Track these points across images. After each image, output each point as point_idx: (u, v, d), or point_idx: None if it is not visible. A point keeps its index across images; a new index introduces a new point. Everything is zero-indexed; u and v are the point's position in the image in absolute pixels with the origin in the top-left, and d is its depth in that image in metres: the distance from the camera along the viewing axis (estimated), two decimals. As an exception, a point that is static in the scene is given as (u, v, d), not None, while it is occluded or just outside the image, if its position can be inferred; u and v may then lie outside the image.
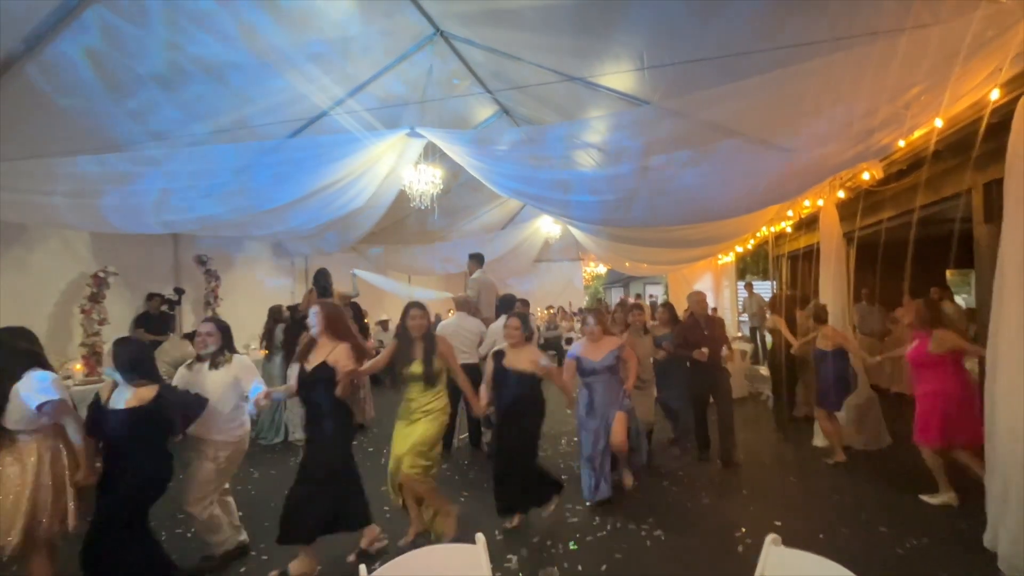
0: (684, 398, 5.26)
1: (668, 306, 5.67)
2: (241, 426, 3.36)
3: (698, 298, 5.38)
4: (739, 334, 8.85)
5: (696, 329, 5.16)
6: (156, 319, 6.36)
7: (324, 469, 3.17)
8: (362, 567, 1.64)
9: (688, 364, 5.17)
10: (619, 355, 4.14)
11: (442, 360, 3.53)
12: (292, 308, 6.68)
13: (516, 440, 3.77)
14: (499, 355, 3.84)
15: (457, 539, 3.07)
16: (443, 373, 3.57)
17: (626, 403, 4.16)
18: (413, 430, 3.44)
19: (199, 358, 3.36)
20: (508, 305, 5.71)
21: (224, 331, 3.39)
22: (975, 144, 3.29)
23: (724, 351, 5.18)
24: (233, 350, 3.41)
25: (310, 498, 3.11)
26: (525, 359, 3.76)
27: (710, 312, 6.16)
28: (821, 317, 5.22)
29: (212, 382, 3.23)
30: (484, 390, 3.85)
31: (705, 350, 4.98)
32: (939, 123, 3.41)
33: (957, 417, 3.77)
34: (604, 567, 3.31)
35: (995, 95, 3.05)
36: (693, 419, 5.24)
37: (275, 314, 6.51)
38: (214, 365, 3.29)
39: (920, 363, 3.99)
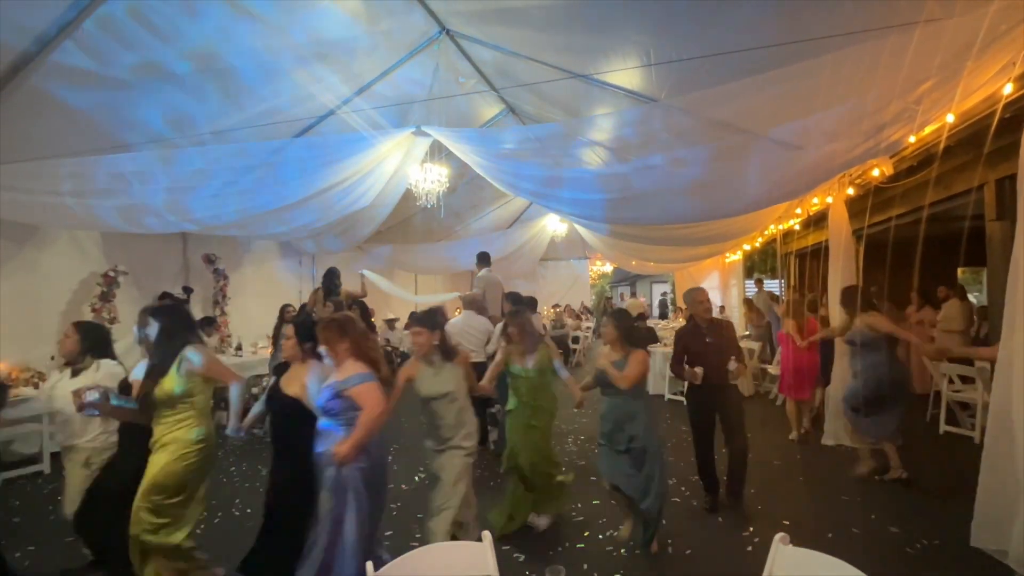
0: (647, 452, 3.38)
1: (620, 316, 3.66)
2: (112, 431, 3.17)
3: (697, 298, 4.05)
4: (746, 332, 8.78)
5: (696, 337, 3.93)
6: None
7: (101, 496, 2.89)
8: (369, 565, 1.62)
9: (688, 383, 4.20)
10: (343, 392, 2.59)
11: (197, 378, 2.72)
12: (302, 307, 6.73)
13: (277, 493, 2.81)
14: (280, 368, 2.95)
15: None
16: (199, 394, 2.74)
17: (329, 474, 2.59)
18: (150, 466, 2.66)
19: (67, 363, 3.21)
20: (517, 303, 5.71)
21: (87, 335, 3.19)
22: (987, 139, 3.25)
23: (732, 364, 3.81)
24: (103, 355, 3.19)
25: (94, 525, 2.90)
26: (297, 382, 2.76)
27: (716, 313, 5.44)
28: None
29: (69, 387, 3.01)
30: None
31: (699, 370, 3.79)
32: (951, 118, 3.36)
33: (794, 377, 5.58)
34: (611, 566, 3.31)
35: (1008, 89, 3.00)
36: (696, 455, 4.06)
37: (283, 313, 6.56)
38: (75, 372, 3.15)
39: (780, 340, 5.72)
